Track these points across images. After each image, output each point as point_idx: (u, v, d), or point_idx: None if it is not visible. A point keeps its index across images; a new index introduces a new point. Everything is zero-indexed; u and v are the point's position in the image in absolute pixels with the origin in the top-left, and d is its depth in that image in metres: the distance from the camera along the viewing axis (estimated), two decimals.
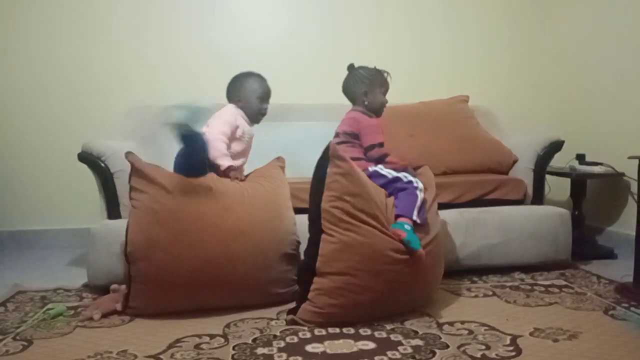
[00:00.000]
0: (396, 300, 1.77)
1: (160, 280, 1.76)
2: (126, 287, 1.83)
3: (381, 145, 2.04)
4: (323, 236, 1.73)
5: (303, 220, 1.88)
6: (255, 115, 2.24)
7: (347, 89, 2.17)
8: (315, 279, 1.72)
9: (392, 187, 1.91)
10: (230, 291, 1.83)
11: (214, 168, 2.03)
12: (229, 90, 2.26)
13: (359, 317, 1.73)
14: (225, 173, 2.05)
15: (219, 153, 2.06)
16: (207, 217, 1.82)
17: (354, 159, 1.95)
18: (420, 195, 1.87)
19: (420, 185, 1.91)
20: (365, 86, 2.11)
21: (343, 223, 1.71)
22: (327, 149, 1.77)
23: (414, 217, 1.80)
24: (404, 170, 1.99)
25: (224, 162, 2.06)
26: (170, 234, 1.77)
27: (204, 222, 1.81)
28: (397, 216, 1.81)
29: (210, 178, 1.92)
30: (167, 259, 1.75)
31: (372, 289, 1.70)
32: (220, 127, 2.10)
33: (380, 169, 1.98)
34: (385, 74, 2.13)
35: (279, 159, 2.22)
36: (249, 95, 2.22)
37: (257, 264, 1.84)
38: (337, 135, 2.11)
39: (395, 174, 1.94)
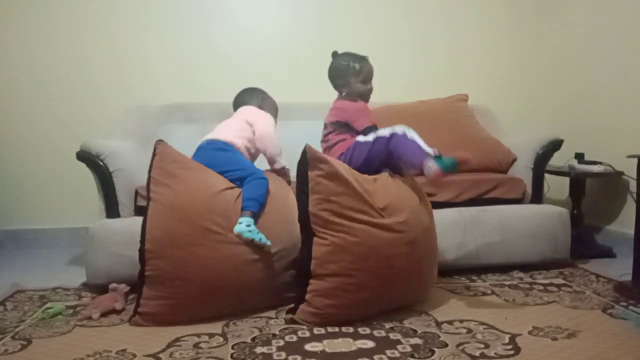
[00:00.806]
0: (393, 295, 1.77)
1: (178, 280, 1.70)
2: (138, 294, 1.74)
3: (373, 128, 1.99)
4: (315, 239, 1.72)
5: None
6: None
7: (330, 79, 2.14)
8: (312, 281, 1.71)
9: (380, 152, 1.89)
10: (247, 294, 1.79)
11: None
12: (247, 96, 2.30)
13: (356, 315, 1.73)
14: (280, 172, 2.12)
15: (279, 150, 2.11)
16: (234, 216, 1.79)
17: (343, 140, 1.98)
18: (413, 134, 1.84)
19: (402, 129, 1.86)
20: (339, 78, 2.08)
21: (333, 225, 1.70)
22: (304, 153, 1.74)
23: (431, 152, 1.77)
24: None
25: (283, 162, 2.12)
26: (195, 231, 1.72)
27: (232, 222, 1.77)
28: (416, 168, 1.79)
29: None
30: (189, 257, 1.70)
31: (368, 287, 1.70)
32: (271, 124, 2.14)
33: (360, 138, 1.95)
34: (362, 61, 2.08)
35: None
36: (271, 104, 2.29)
37: (275, 267, 1.83)
38: (325, 126, 2.10)
39: (371, 138, 1.91)
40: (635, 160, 2.09)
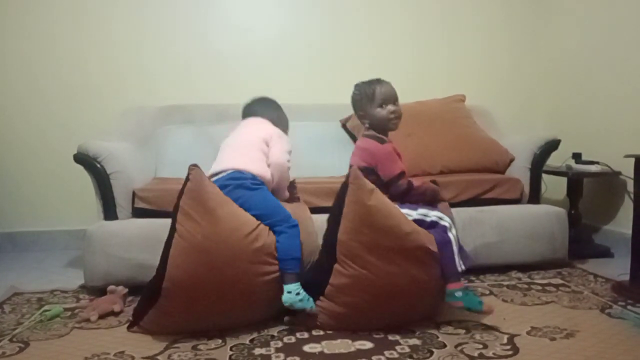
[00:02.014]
0: (403, 320, 1.72)
1: (189, 312, 1.64)
2: (141, 306, 1.70)
3: (402, 175, 1.81)
4: (336, 266, 1.65)
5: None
6: None
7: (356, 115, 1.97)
8: (322, 298, 1.68)
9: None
10: (255, 314, 1.73)
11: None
12: (261, 107, 2.14)
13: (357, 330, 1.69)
14: (288, 200, 2.03)
15: (287, 183, 2.00)
16: (262, 259, 1.66)
17: None
18: (453, 236, 1.71)
19: (447, 221, 1.73)
20: (358, 108, 1.91)
21: (359, 259, 1.61)
22: (348, 176, 1.64)
23: (460, 269, 1.68)
24: (433, 194, 1.86)
25: (286, 194, 2.03)
26: (223, 281, 1.60)
27: (259, 268, 1.65)
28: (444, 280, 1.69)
29: None
30: (209, 303, 1.62)
31: (380, 319, 1.66)
32: (287, 152, 1.98)
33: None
34: (374, 85, 1.89)
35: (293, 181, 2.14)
36: (285, 122, 2.17)
37: None
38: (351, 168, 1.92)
39: (415, 215, 1.74)
40: (633, 160, 2.09)
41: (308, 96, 3.10)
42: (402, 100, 2.93)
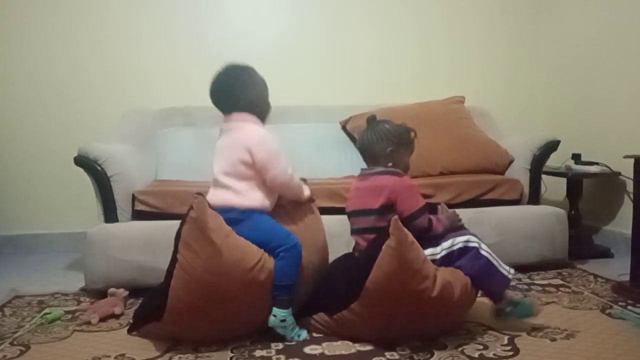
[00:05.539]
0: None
1: (189, 337, 1.62)
2: (141, 316, 1.69)
3: (424, 210, 1.69)
4: (356, 306, 1.56)
5: None
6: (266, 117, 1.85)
7: (368, 147, 1.78)
8: (328, 314, 1.64)
9: (447, 262, 1.65)
10: (258, 324, 1.67)
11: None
12: (233, 92, 1.83)
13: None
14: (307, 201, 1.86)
15: (300, 190, 1.78)
16: (266, 293, 1.60)
17: None
18: (486, 252, 1.67)
19: (475, 241, 1.68)
20: (391, 144, 1.75)
21: (384, 308, 1.54)
22: (389, 223, 1.51)
23: (510, 276, 1.65)
24: (452, 225, 1.75)
25: (307, 193, 1.83)
26: (224, 314, 1.57)
27: (263, 301, 1.60)
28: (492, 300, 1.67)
29: None
30: (209, 331, 1.60)
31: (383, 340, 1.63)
32: (283, 162, 1.69)
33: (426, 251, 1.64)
34: (412, 133, 1.81)
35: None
36: (264, 94, 1.84)
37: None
38: (363, 213, 1.72)
39: (440, 252, 1.66)
40: (632, 160, 2.09)
41: (308, 98, 3.10)
42: (402, 101, 2.98)
